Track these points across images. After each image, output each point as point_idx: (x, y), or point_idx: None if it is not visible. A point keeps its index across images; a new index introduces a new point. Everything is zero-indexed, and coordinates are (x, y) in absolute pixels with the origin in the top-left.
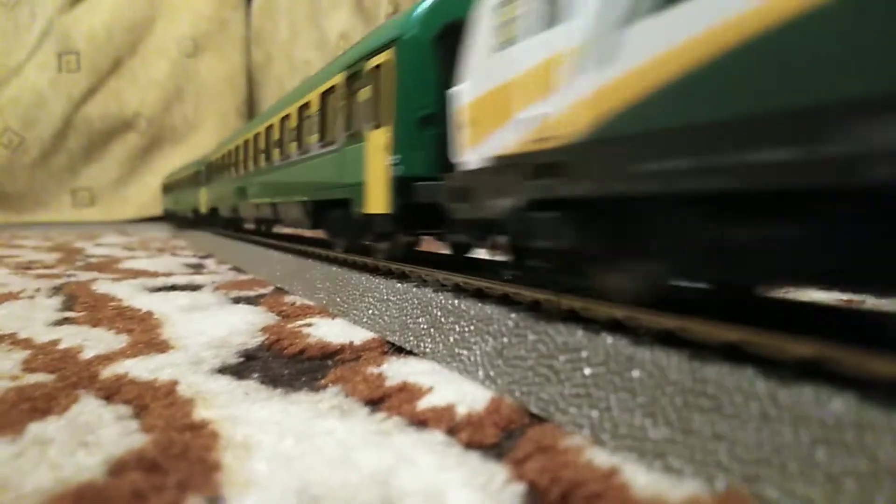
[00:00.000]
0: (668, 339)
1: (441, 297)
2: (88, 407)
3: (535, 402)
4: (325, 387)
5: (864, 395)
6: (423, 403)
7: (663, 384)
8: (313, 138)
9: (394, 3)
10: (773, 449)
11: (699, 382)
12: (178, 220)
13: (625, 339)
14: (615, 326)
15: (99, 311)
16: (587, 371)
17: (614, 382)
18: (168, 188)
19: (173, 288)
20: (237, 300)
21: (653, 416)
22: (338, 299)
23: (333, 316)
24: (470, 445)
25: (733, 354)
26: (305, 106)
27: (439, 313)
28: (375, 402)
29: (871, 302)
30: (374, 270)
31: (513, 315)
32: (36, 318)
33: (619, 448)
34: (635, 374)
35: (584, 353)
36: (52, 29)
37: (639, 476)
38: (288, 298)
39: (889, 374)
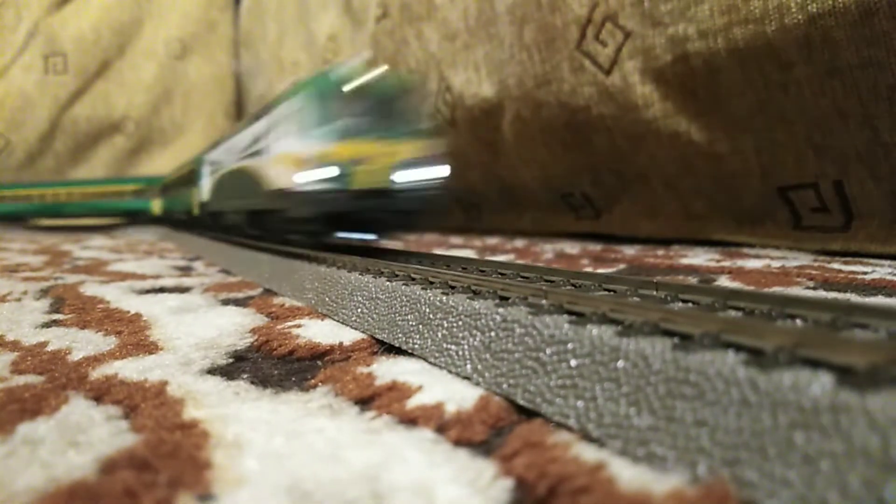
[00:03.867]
0: (652, 330)
1: (430, 294)
2: (78, 408)
3: (521, 394)
4: (314, 386)
5: (841, 379)
6: (413, 402)
7: (647, 373)
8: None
9: (382, 5)
10: (753, 433)
11: (682, 371)
12: None
13: (610, 331)
14: (601, 318)
15: (87, 313)
16: (573, 362)
17: (599, 373)
18: None
19: (162, 290)
20: (226, 302)
21: (637, 404)
22: (327, 299)
23: (322, 316)
24: (459, 443)
25: (716, 343)
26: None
27: (428, 310)
28: (365, 401)
29: (854, 299)
30: (364, 270)
31: (500, 310)
32: (23, 321)
33: (604, 436)
34: (620, 364)
35: (570, 345)
36: (38, 30)
37: (625, 470)
38: (277, 300)
39: (864, 359)
